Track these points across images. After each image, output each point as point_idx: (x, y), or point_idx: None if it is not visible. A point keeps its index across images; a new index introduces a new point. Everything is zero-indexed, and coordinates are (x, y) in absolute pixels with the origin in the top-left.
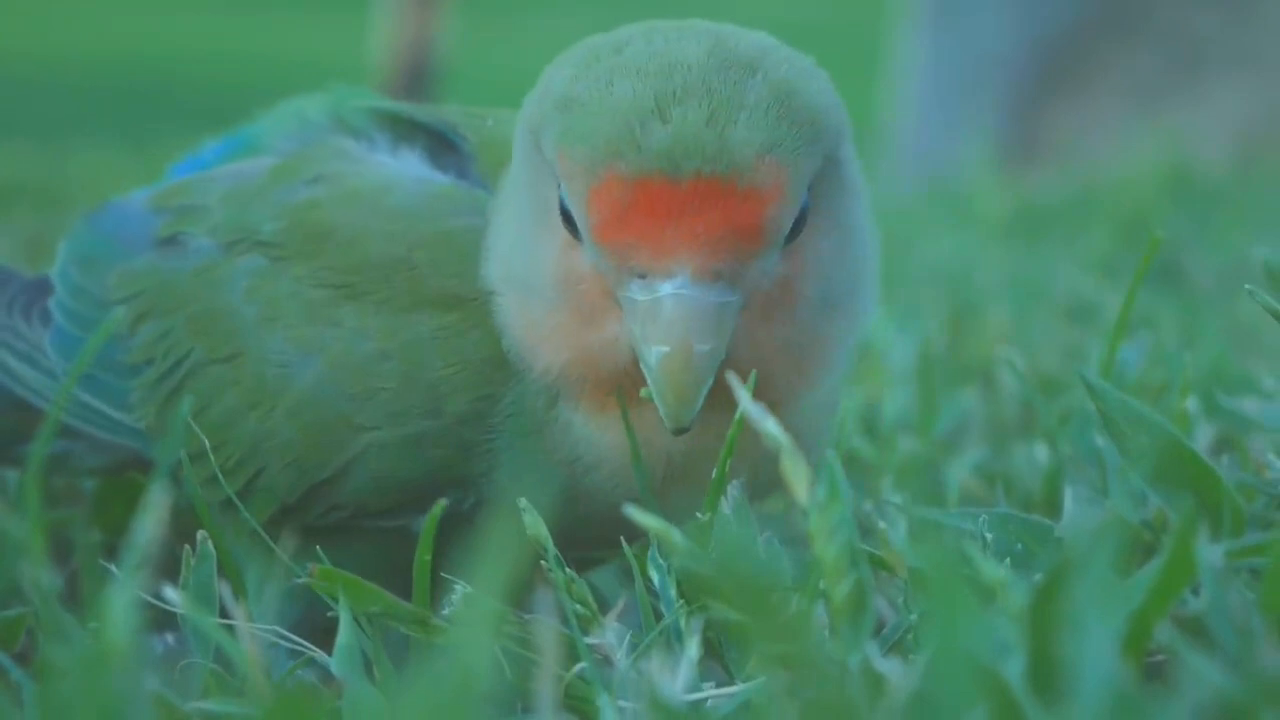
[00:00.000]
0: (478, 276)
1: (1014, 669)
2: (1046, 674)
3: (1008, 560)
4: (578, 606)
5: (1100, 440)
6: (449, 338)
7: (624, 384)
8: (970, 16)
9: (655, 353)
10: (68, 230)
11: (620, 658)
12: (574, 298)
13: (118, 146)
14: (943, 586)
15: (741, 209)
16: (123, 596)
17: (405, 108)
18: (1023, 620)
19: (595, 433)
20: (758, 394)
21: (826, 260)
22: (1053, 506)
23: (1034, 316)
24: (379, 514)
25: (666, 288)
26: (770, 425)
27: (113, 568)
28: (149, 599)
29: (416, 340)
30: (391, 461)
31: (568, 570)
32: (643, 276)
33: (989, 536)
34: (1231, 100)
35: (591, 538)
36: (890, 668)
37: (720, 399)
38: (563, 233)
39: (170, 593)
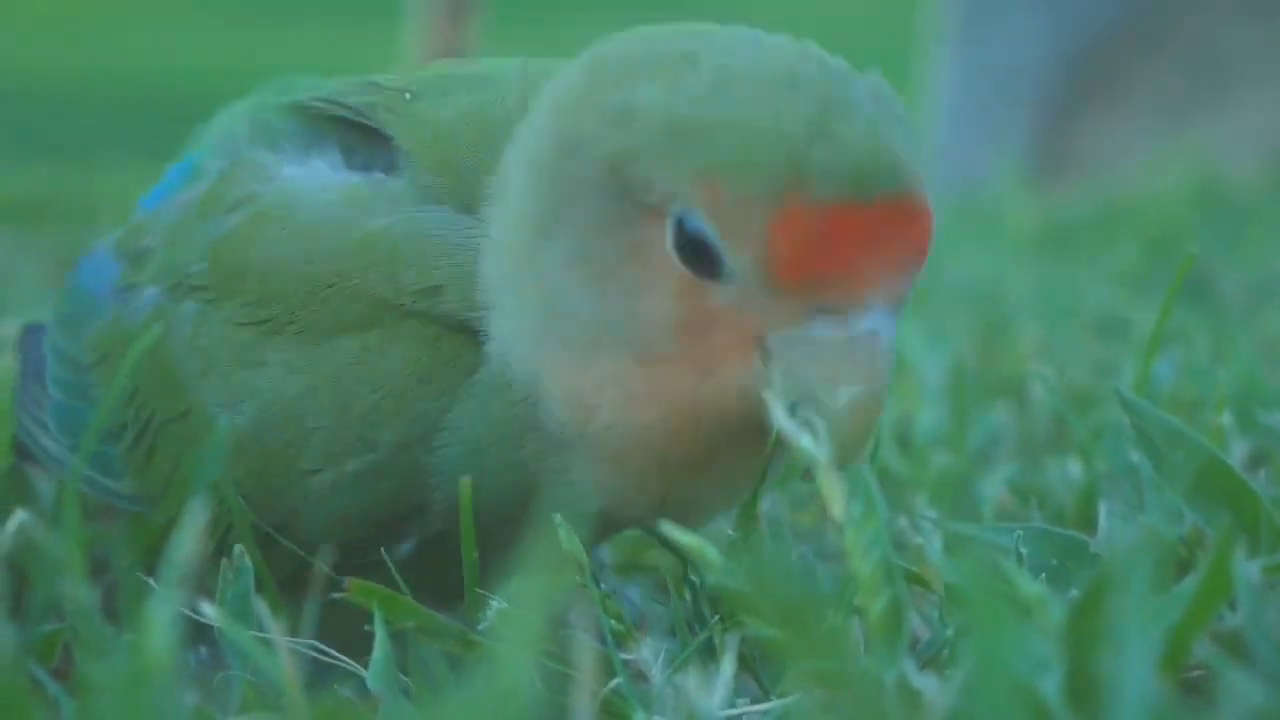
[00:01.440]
0: (409, 273)
1: (1051, 685)
2: (1084, 690)
3: (1043, 576)
4: (613, 622)
5: (1135, 456)
6: (372, 360)
7: (711, 437)
8: (999, 30)
9: (845, 394)
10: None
11: (656, 673)
12: (698, 346)
13: (146, 163)
14: (980, 602)
15: (923, 227)
16: (162, 612)
17: (325, 95)
18: (1060, 636)
19: (594, 480)
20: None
21: None
22: (1086, 522)
23: (1064, 332)
24: (354, 550)
25: (866, 323)
26: (805, 440)
27: (151, 583)
28: (186, 614)
29: (341, 369)
30: (345, 499)
31: (603, 586)
32: (832, 312)
33: (1024, 552)
34: (1261, 113)
35: None
36: (927, 684)
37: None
38: (676, 275)
39: (207, 608)
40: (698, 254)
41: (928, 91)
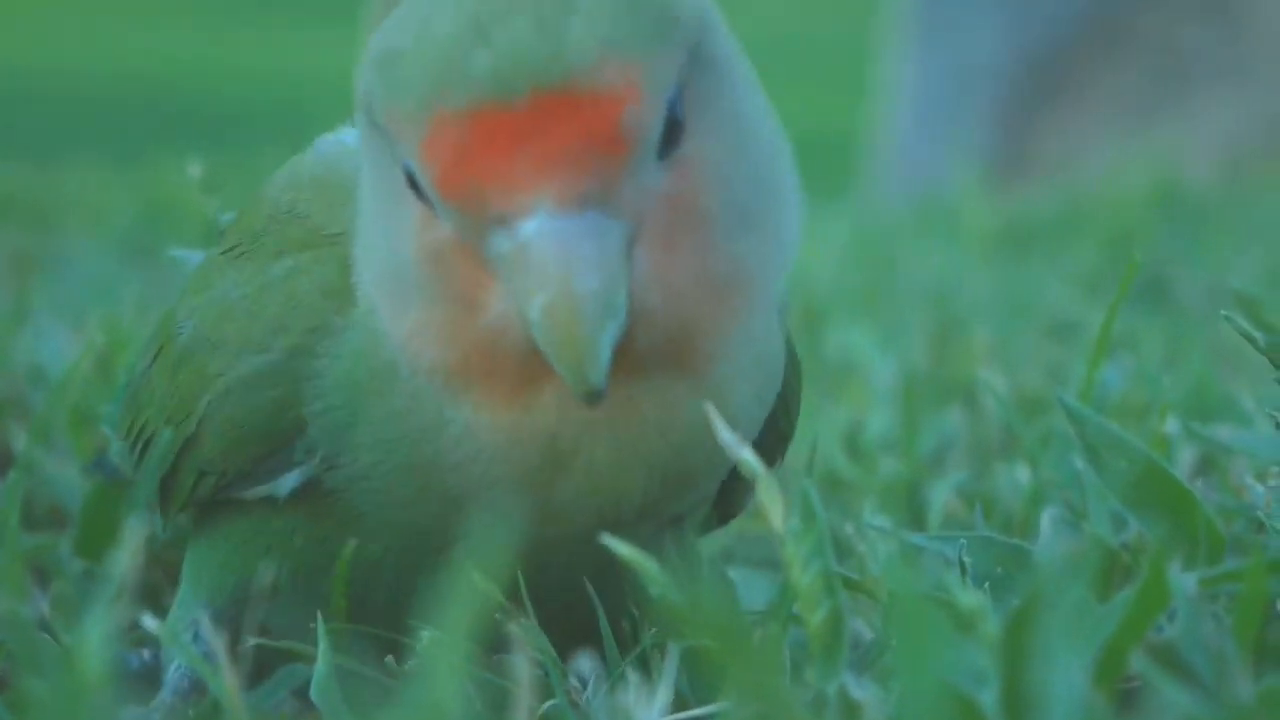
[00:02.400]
0: (345, 210)
1: (989, 698)
2: (1020, 702)
3: (987, 585)
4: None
5: (1079, 462)
6: (295, 275)
7: (526, 372)
8: (958, 30)
9: (535, 306)
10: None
11: (592, 689)
12: (445, 280)
13: (109, 162)
14: (917, 614)
15: (592, 117)
16: (99, 629)
17: None
18: (997, 648)
19: (478, 430)
20: (677, 345)
21: (722, 166)
22: (1033, 529)
23: (1019, 334)
24: (241, 479)
25: (529, 225)
26: (746, 453)
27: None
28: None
29: (268, 282)
30: (235, 407)
31: (525, 621)
32: (502, 223)
33: (968, 561)
34: (1220, 114)
35: (443, 539)
36: (866, 694)
37: (627, 364)
38: (417, 207)
39: (149, 620)
40: (415, 184)
41: (887, 91)
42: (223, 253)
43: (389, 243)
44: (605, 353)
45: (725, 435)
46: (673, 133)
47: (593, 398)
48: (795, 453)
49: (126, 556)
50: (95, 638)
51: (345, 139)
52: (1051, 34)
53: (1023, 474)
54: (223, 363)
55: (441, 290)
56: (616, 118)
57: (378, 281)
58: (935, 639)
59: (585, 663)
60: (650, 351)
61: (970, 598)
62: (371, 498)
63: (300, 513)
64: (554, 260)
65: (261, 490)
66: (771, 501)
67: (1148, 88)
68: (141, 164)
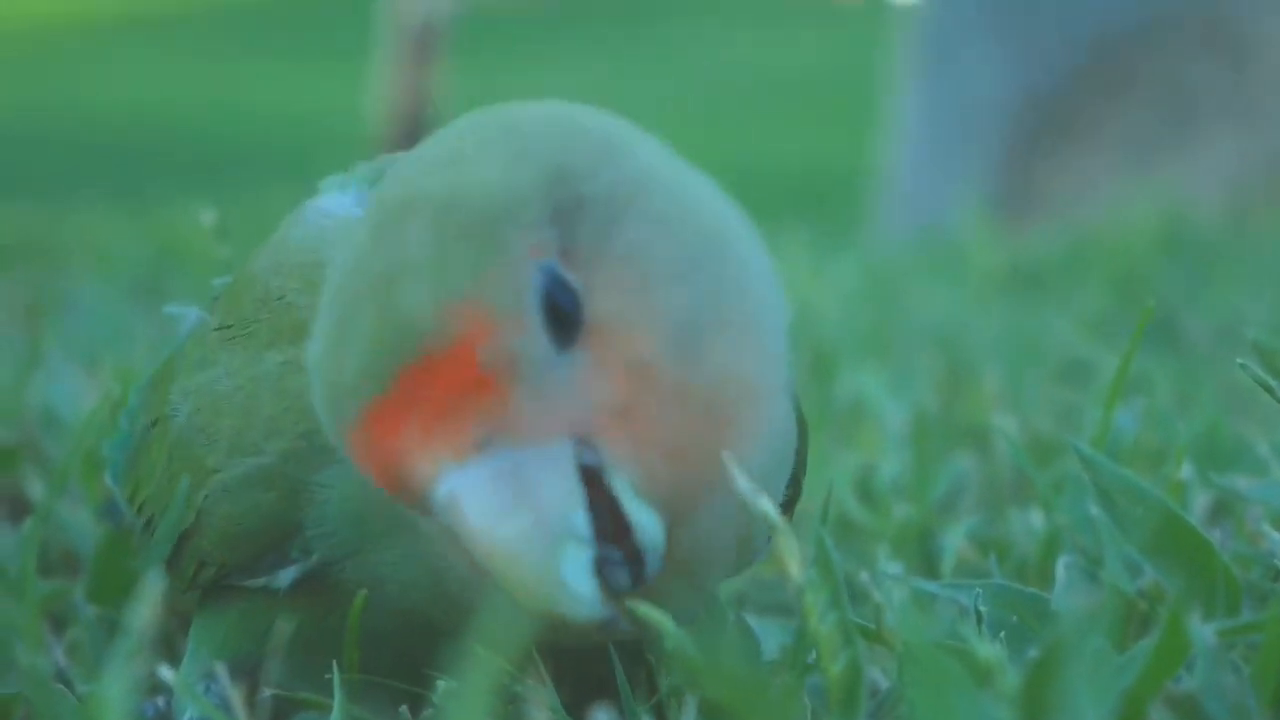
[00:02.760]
0: None
1: None
2: None
3: (1002, 634)
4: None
5: (1094, 509)
6: (288, 373)
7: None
8: (963, 67)
9: (479, 558)
10: None
11: None
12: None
13: (117, 203)
14: (933, 665)
15: (449, 373)
16: (119, 683)
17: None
18: (1016, 700)
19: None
20: (694, 489)
21: (651, 303)
22: (1048, 576)
23: (1028, 377)
24: (240, 570)
25: (440, 491)
26: (765, 505)
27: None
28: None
29: (261, 375)
30: (231, 506)
31: (536, 682)
32: (424, 495)
33: (983, 610)
34: (1226, 152)
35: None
36: None
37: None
38: None
39: (166, 672)
40: None
41: (892, 128)
42: (216, 329)
43: None
44: (577, 578)
45: (743, 485)
46: (569, 311)
47: (605, 627)
48: (809, 499)
49: (145, 610)
50: (115, 692)
51: (331, 208)
52: (1056, 72)
53: (1036, 520)
54: (217, 459)
55: None
56: (471, 364)
57: None
58: (953, 690)
59: (602, 716)
60: (670, 518)
61: (988, 648)
62: (377, 594)
63: (302, 598)
64: (471, 515)
65: (260, 582)
66: (789, 553)
67: (1153, 126)
68: (150, 205)
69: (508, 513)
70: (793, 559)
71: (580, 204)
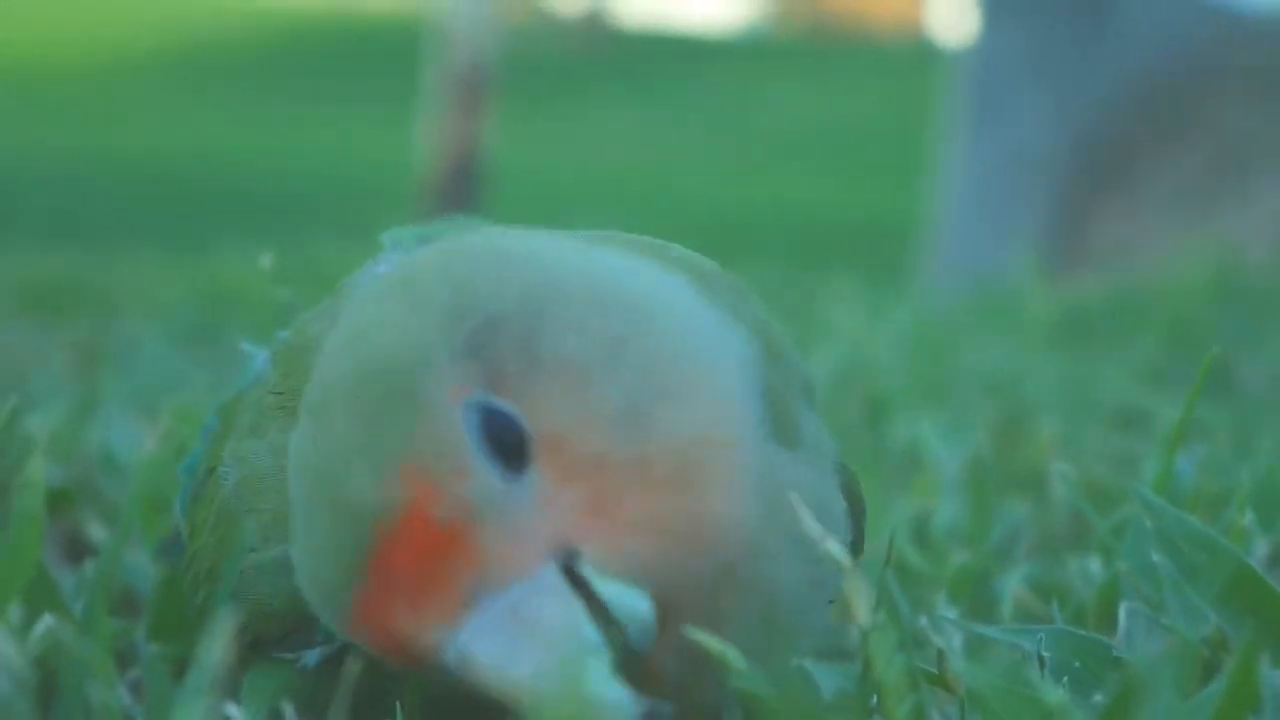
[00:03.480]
0: None
1: None
2: None
3: (1065, 679)
4: None
5: (1156, 556)
6: None
7: None
8: (1012, 116)
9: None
10: None
11: None
12: None
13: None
14: (1001, 711)
15: (408, 545)
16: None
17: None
18: None
19: None
20: (671, 560)
21: (586, 385)
22: (1107, 622)
23: (1083, 424)
24: (271, 644)
25: (450, 662)
26: (833, 547)
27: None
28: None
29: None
30: (263, 587)
31: None
32: (420, 667)
33: (1046, 655)
34: (1278, 199)
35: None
36: None
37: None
38: None
39: (233, 709)
40: None
41: (942, 178)
42: (271, 392)
43: None
44: (606, 687)
45: (811, 526)
46: (512, 437)
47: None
48: (870, 544)
49: (218, 645)
50: None
51: (381, 270)
52: (1105, 120)
53: (1094, 566)
54: (253, 537)
55: None
56: (428, 528)
57: None
58: None
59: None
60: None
61: (1054, 694)
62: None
63: (338, 670)
64: (486, 669)
65: (290, 657)
66: (859, 595)
67: (1204, 173)
68: (201, 249)
69: (520, 654)
70: (862, 601)
71: (492, 326)
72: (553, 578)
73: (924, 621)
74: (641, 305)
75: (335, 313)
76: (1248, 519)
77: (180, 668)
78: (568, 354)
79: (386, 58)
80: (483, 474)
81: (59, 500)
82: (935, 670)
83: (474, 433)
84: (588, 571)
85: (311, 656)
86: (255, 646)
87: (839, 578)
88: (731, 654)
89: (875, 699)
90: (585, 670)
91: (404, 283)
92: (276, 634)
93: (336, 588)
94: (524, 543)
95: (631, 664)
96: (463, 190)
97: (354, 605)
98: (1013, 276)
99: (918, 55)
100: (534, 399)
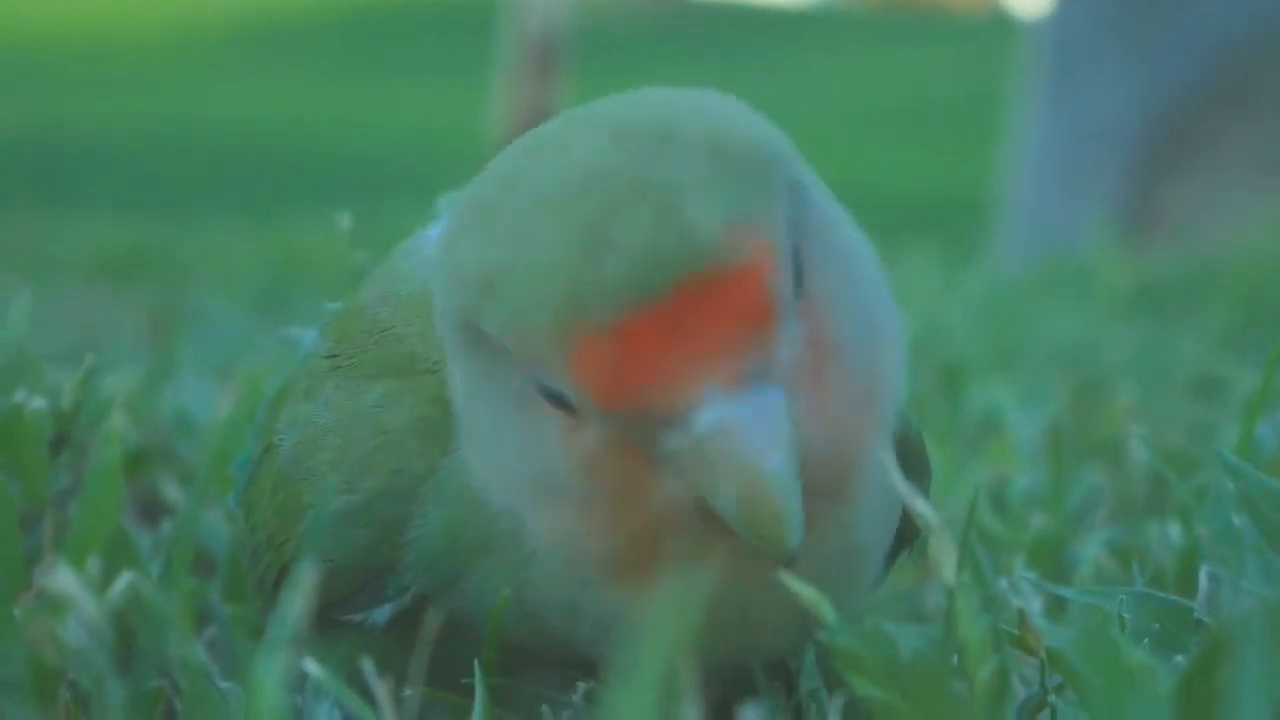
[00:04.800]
0: (436, 342)
1: None
2: None
3: (1145, 641)
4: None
5: (1237, 519)
6: (385, 407)
7: (690, 555)
8: (1086, 85)
9: (727, 494)
10: None
11: None
12: (602, 482)
13: (236, 218)
14: (1092, 671)
15: (739, 296)
16: (273, 671)
17: None
18: (1171, 704)
19: (630, 613)
20: (836, 476)
21: (841, 291)
22: (1187, 586)
23: (1160, 393)
24: (336, 606)
25: (702, 419)
26: (921, 505)
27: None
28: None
29: (359, 410)
30: (326, 542)
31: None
32: (671, 423)
33: (1127, 617)
34: None
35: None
36: None
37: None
38: (558, 419)
39: (310, 665)
40: (554, 399)
41: (1016, 149)
42: (324, 357)
43: (524, 451)
44: (799, 518)
45: (901, 485)
46: (798, 275)
47: (791, 560)
48: (945, 509)
49: (299, 599)
50: (270, 682)
51: (433, 231)
52: (1181, 88)
53: (1173, 531)
54: (313, 495)
55: (600, 491)
56: (761, 290)
57: (512, 487)
58: (1110, 696)
59: (750, 713)
60: (812, 489)
61: (1140, 654)
62: (469, 620)
63: (407, 631)
64: (738, 448)
65: (358, 618)
66: (945, 554)
67: (1279, 144)
68: (274, 217)
69: (768, 452)
70: (949, 560)
71: (791, 186)
72: (781, 398)
73: (1004, 584)
74: (863, 249)
75: (387, 278)
76: None
77: (251, 630)
78: (830, 248)
79: (460, 28)
80: (789, 280)
81: (135, 461)
82: (1016, 631)
83: (788, 244)
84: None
85: (381, 614)
86: (319, 612)
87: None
88: (825, 607)
89: (956, 659)
90: (795, 495)
91: (726, 102)
92: (344, 592)
93: (610, 296)
94: (783, 360)
95: None
96: None
97: (623, 320)
98: (1087, 246)
99: (990, 27)
100: (806, 261)
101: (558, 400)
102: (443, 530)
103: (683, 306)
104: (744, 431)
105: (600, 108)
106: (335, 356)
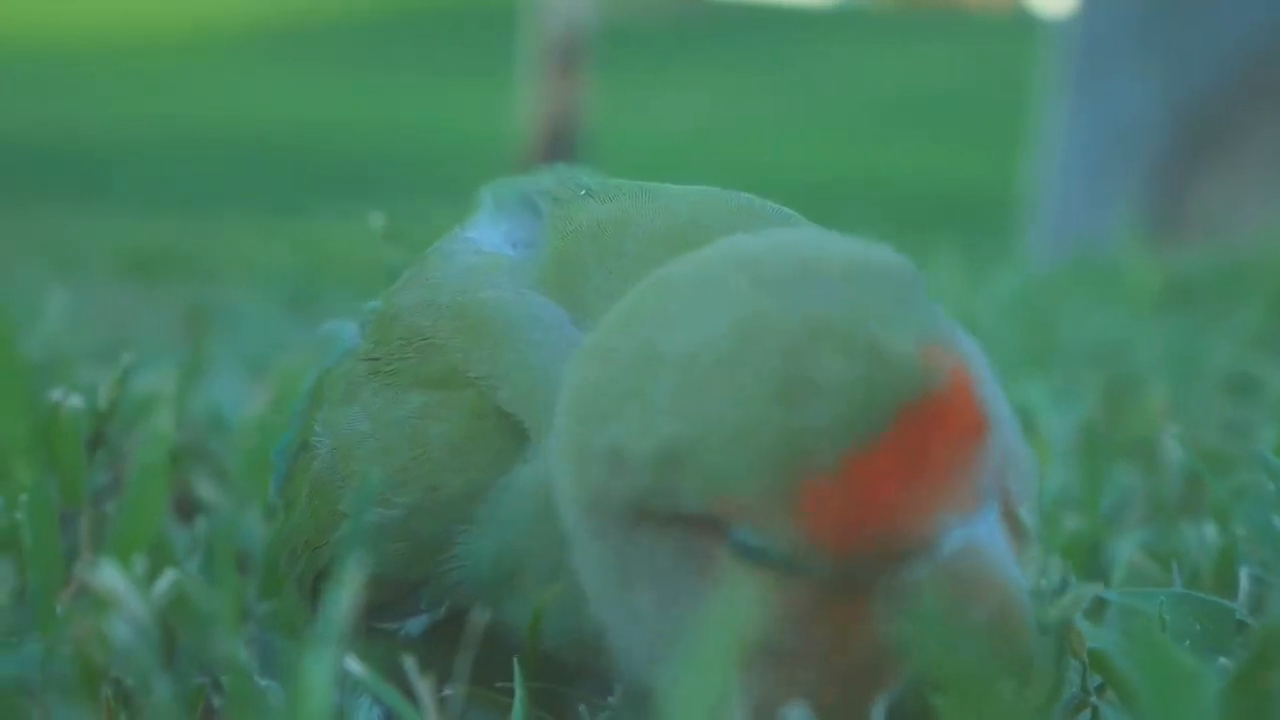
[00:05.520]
0: (485, 350)
1: None
2: None
3: (1187, 643)
4: None
5: (1276, 519)
6: (426, 420)
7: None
8: (1112, 83)
9: (980, 617)
10: None
11: None
12: (818, 637)
13: (262, 216)
14: (1143, 674)
15: (957, 414)
16: (320, 669)
17: (542, 183)
18: (1220, 706)
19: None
20: None
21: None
22: (1226, 587)
23: (1193, 392)
24: (370, 614)
25: (948, 545)
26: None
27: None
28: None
29: (400, 420)
30: (363, 551)
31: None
32: (914, 555)
33: (1167, 618)
34: None
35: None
36: None
37: None
38: (758, 579)
39: (352, 663)
40: (757, 559)
41: (1042, 146)
42: (363, 359)
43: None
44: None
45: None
46: None
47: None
48: None
49: (347, 596)
50: (318, 679)
51: (482, 243)
52: (1208, 86)
53: (1209, 531)
54: (348, 503)
55: (809, 644)
56: (974, 405)
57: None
58: (1158, 698)
59: (797, 714)
60: None
61: (1188, 658)
62: (511, 639)
63: (441, 642)
64: (989, 568)
65: (392, 627)
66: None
67: None
68: (300, 215)
69: (1010, 569)
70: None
71: None
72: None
73: (1041, 584)
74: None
75: (426, 285)
76: None
77: (290, 627)
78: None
79: (484, 26)
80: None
81: (169, 460)
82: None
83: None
84: None
85: (416, 625)
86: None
87: None
88: None
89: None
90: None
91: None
92: (376, 604)
93: (832, 438)
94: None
95: None
96: (559, 155)
97: (850, 459)
98: (1113, 244)
99: (1012, 25)
100: None
101: (760, 560)
102: (492, 554)
103: (908, 437)
104: (989, 550)
105: (707, 259)
106: (375, 360)
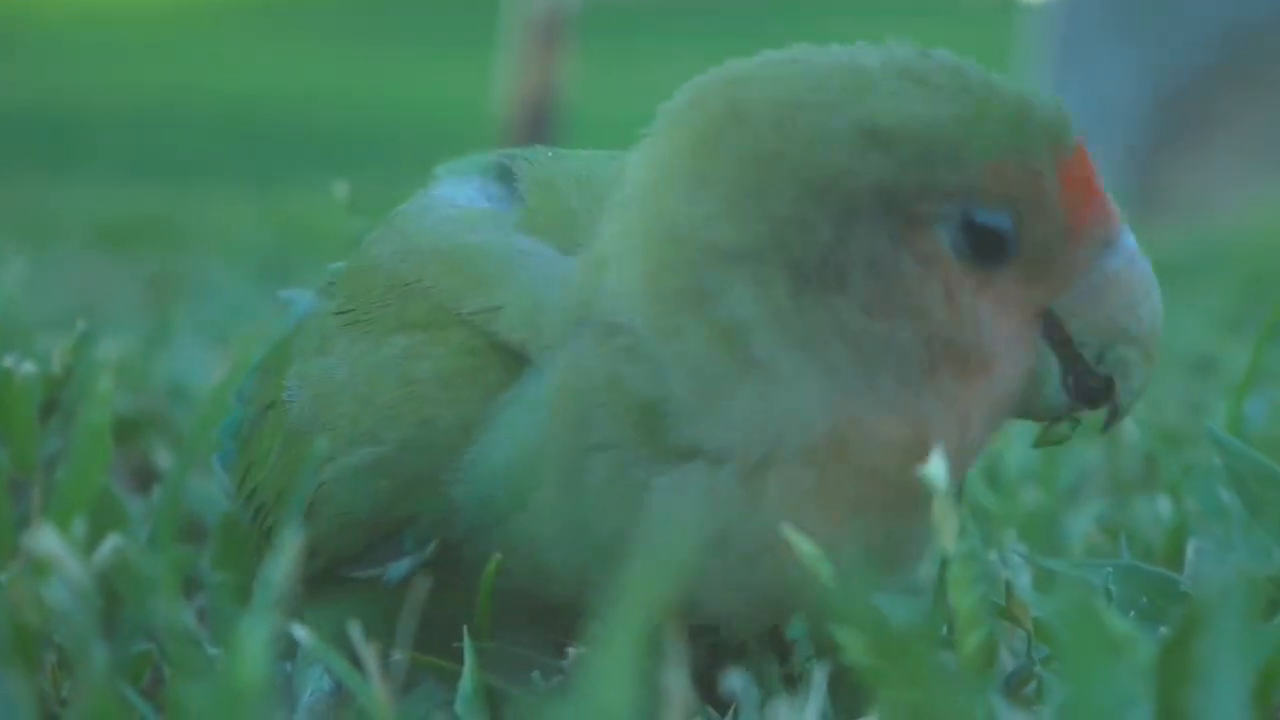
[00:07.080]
0: (479, 286)
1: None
2: None
3: (1132, 613)
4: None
5: (1225, 495)
6: (411, 359)
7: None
8: (1091, 67)
9: (1147, 310)
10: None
11: (745, 704)
12: (981, 343)
13: (242, 184)
14: (1071, 640)
15: (1079, 170)
16: (257, 635)
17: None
18: (1150, 673)
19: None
20: None
21: None
22: (1174, 560)
23: (1158, 372)
24: (351, 562)
25: (1130, 241)
26: (933, 469)
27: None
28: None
29: (382, 361)
30: (346, 495)
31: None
32: (1108, 245)
33: (1113, 589)
34: None
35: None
36: (1015, 718)
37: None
38: (955, 276)
39: (299, 631)
40: (983, 245)
41: None
42: (335, 314)
43: (871, 323)
44: None
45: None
46: None
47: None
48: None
49: (284, 564)
50: (254, 645)
51: (456, 198)
52: (1185, 70)
53: (1163, 507)
54: (332, 447)
55: (965, 356)
56: (1092, 166)
57: (767, 366)
58: (1089, 664)
59: (736, 680)
60: None
61: (1122, 624)
62: (507, 563)
63: (417, 591)
64: (1148, 269)
65: (372, 573)
66: (946, 522)
67: None
68: (272, 186)
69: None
70: (950, 528)
71: None
72: None
73: (994, 557)
74: None
75: (403, 235)
76: None
77: (243, 597)
78: None
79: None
80: None
81: (129, 429)
82: (1002, 603)
83: None
84: None
85: (398, 569)
86: (331, 569)
87: None
88: (826, 570)
89: (945, 629)
90: None
91: None
92: (358, 547)
93: (1054, 131)
94: None
95: None
96: (539, 132)
97: (1074, 164)
98: None
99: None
100: None
101: (979, 249)
102: (502, 471)
103: (1084, 154)
104: (1140, 272)
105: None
106: (349, 312)
